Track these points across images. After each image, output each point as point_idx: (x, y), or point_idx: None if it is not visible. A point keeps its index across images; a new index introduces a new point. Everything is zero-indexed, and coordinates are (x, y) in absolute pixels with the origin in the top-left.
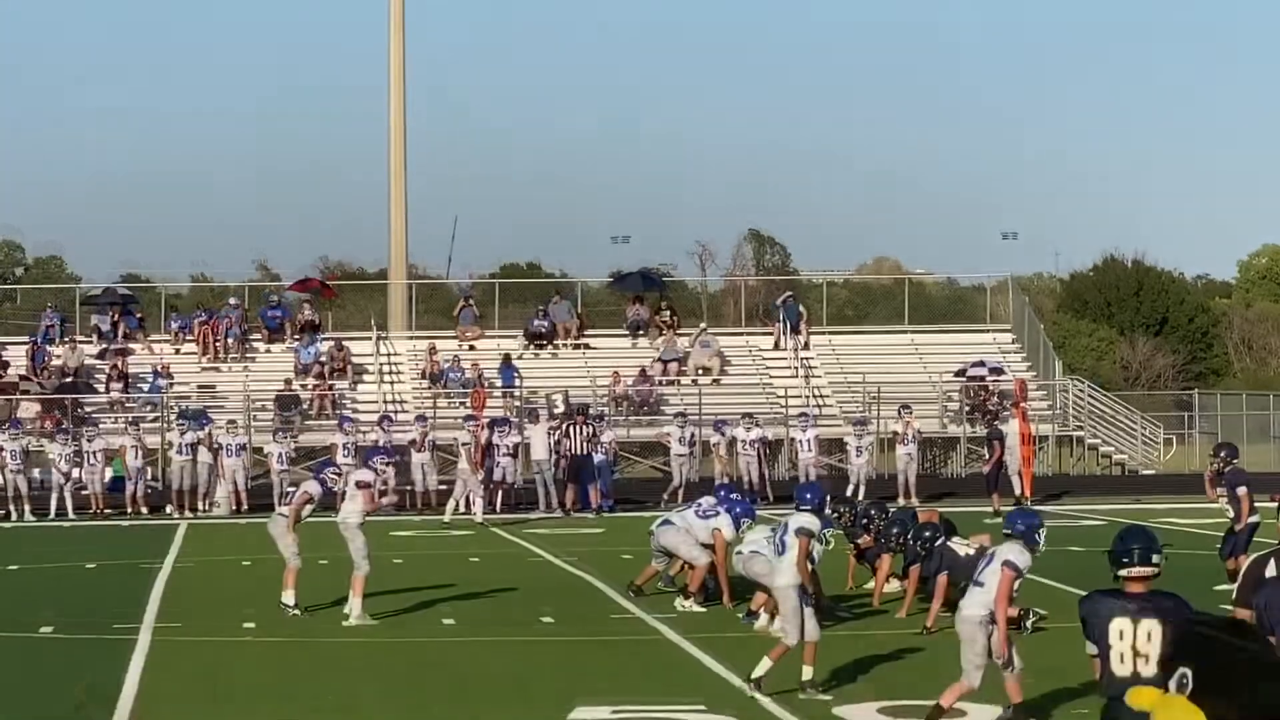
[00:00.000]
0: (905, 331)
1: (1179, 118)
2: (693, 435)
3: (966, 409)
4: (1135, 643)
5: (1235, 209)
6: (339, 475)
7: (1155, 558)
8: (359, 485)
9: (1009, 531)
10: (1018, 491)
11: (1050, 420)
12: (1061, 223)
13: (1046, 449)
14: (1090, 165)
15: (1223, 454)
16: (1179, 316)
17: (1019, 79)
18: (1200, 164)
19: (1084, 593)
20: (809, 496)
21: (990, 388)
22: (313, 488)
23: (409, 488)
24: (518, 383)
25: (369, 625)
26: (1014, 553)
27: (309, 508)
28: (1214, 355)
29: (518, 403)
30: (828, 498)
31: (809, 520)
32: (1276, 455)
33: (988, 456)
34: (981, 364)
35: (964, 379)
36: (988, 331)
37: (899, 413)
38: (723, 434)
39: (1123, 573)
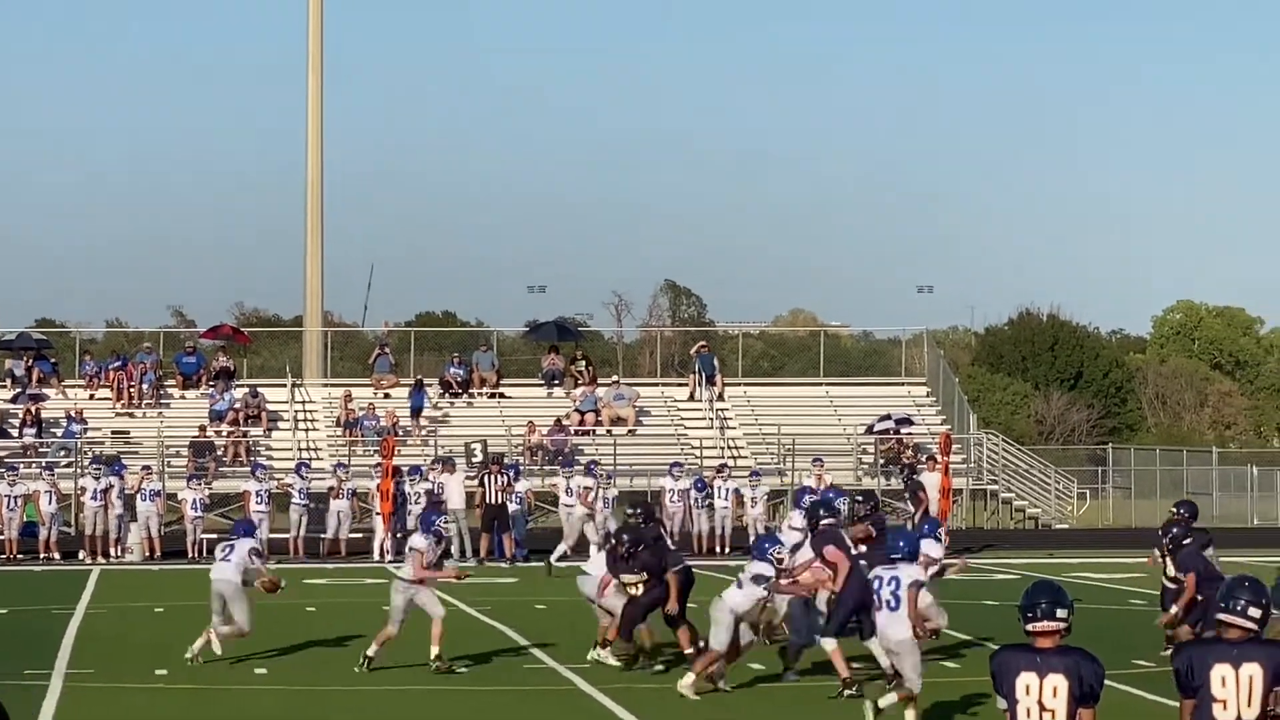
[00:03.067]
0: (820, 384)
1: (1094, 174)
2: (587, 487)
3: (881, 462)
4: (1041, 697)
5: (1150, 265)
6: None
7: (1062, 612)
8: (411, 549)
9: (898, 556)
10: None
11: (964, 474)
12: (977, 277)
13: (960, 503)
14: (1006, 220)
15: (1182, 511)
16: (1094, 371)
17: (933, 133)
18: (1116, 220)
19: (995, 646)
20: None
21: (905, 440)
22: (419, 542)
23: (323, 535)
24: (433, 425)
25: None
26: (915, 572)
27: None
28: (1128, 410)
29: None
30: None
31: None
32: None
33: (912, 510)
34: (889, 417)
35: (874, 434)
36: (903, 385)
37: (812, 465)
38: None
39: (1030, 627)
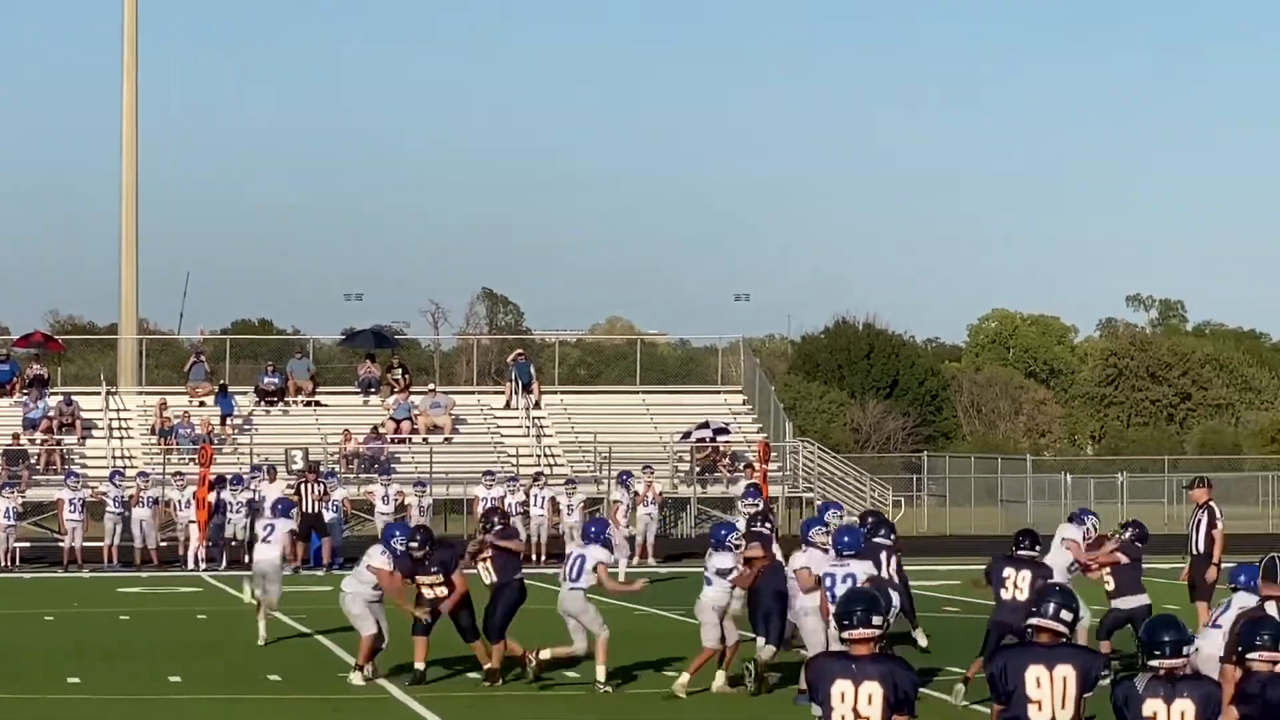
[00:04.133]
0: (637, 392)
1: (910, 183)
2: (399, 493)
3: (698, 470)
4: (856, 704)
5: (965, 274)
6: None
7: (877, 619)
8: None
9: (850, 553)
10: None
11: (780, 482)
12: (794, 286)
13: (777, 510)
14: (823, 229)
15: (1132, 532)
16: (909, 379)
17: (749, 141)
18: (931, 229)
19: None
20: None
21: (721, 449)
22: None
23: (132, 543)
24: (248, 434)
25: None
26: (868, 568)
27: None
28: (944, 418)
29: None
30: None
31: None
32: (1004, 518)
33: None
34: (706, 425)
35: (691, 441)
36: (719, 393)
37: (642, 473)
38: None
39: (845, 634)
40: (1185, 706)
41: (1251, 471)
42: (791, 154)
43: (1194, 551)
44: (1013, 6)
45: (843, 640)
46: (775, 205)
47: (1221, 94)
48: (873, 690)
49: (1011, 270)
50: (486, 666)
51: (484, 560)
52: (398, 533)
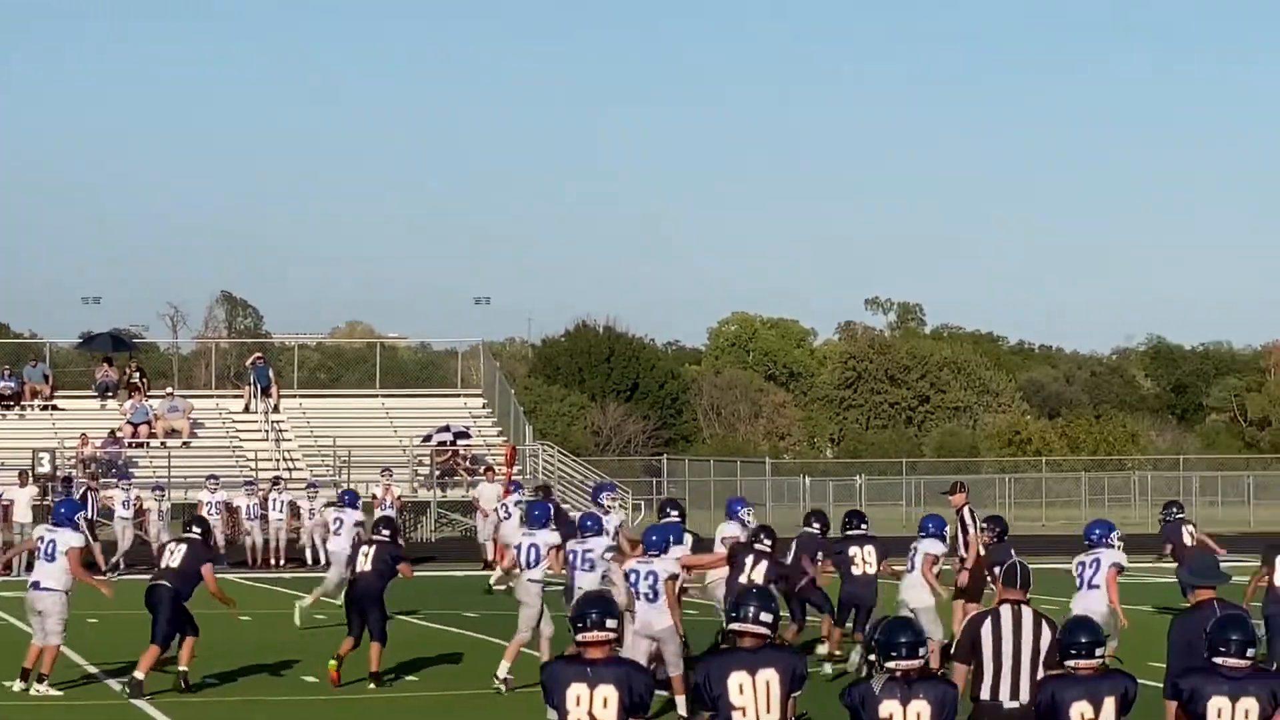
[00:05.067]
0: (377, 395)
1: (648, 187)
2: (138, 497)
3: (438, 473)
4: (592, 708)
5: (705, 278)
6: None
7: (611, 622)
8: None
9: (655, 552)
10: (489, 557)
11: (522, 486)
12: (534, 289)
13: (516, 515)
14: (563, 232)
15: (996, 529)
16: (650, 383)
17: (478, 145)
18: (671, 232)
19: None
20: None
21: (462, 452)
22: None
23: None
24: None
25: None
26: (672, 566)
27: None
28: (684, 421)
29: None
30: None
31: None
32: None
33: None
34: (448, 429)
35: (431, 444)
36: (459, 396)
37: (381, 476)
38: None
39: (580, 637)
40: (921, 708)
41: (989, 474)
42: (530, 157)
43: (963, 555)
44: (748, 6)
45: (578, 643)
46: (515, 208)
47: (955, 98)
48: (608, 693)
49: (751, 274)
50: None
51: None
52: (64, 510)
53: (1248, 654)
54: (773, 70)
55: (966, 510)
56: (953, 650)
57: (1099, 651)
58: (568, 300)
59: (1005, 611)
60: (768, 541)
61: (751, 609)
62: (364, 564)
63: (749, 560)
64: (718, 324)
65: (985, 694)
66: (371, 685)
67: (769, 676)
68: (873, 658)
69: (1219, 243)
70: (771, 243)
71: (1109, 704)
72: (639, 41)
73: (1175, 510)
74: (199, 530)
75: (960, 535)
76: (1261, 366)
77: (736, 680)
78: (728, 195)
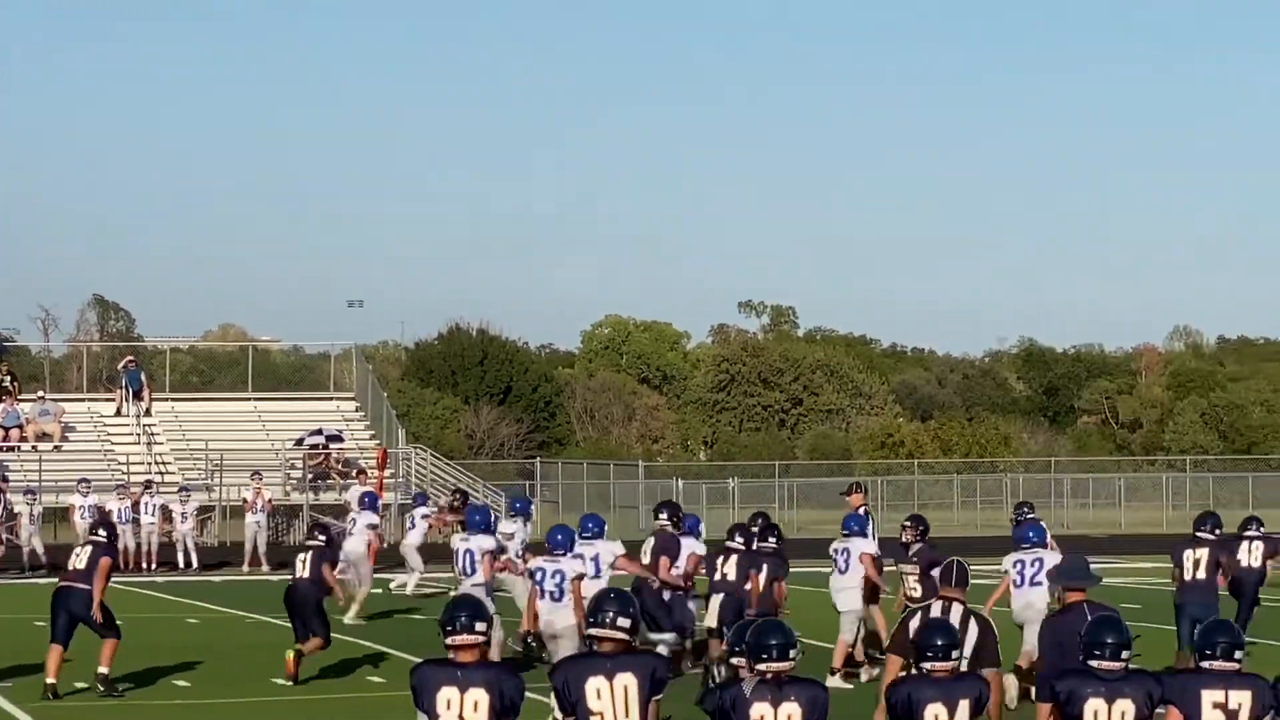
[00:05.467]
0: (249, 399)
1: (520, 188)
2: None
3: (310, 477)
4: (463, 712)
5: (579, 280)
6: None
7: (481, 625)
8: None
9: (561, 553)
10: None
11: (394, 489)
12: (408, 292)
13: (390, 517)
14: (437, 235)
15: (920, 529)
16: (523, 386)
17: (355, 144)
18: (544, 235)
19: (418, 660)
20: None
21: (334, 455)
22: None
23: None
24: None
25: None
26: (578, 566)
27: None
28: (557, 424)
29: None
30: None
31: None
32: (616, 522)
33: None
34: (320, 432)
35: (303, 447)
36: (332, 400)
37: (251, 479)
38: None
39: (450, 640)
40: (792, 709)
41: (862, 476)
42: (401, 158)
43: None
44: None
45: (446, 646)
46: (388, 210)
47: (825, 100)
48: (479, 697)
49: (624, 277)
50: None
51: None
52: None
53: (1122, 656)
54: (662, 70)
55: (863, 510)
56: (887, 644)
57: (1124, 654)
58: (441, 303)
59: (936, 607)
60: (739, 539)
61: (610, 613)
62: (301, 570)
63: (719, 560)
64: (591, 327)
65: None
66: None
67: (627, 681)
68: (734, 660)
69: (1091, 246)
70: (644, 246)
71: (964, 706)
72: (511, 38)
73: (1026, 510)
74: (105, 533)
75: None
76: (1133, 369)
77: (594, 685)
78: (600, 198)
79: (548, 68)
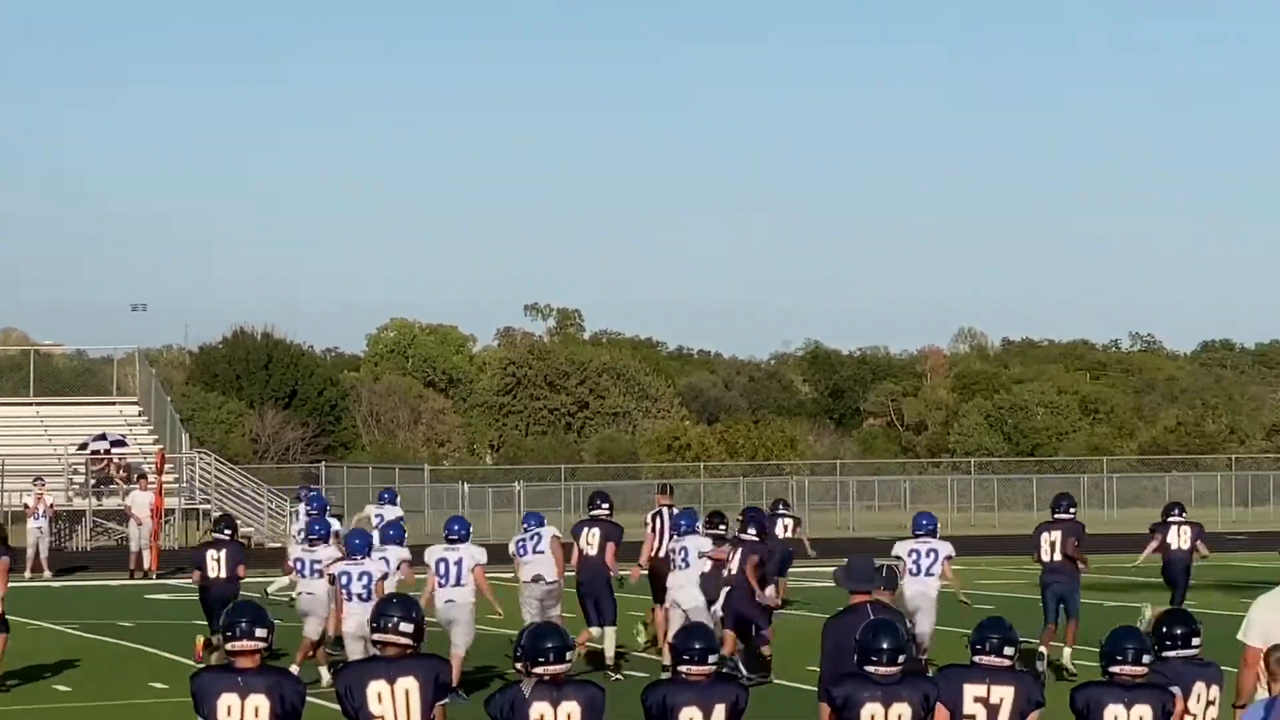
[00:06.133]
0: (31, 404)
1: (302, 192)
2: None
3: (93, 482)
4: (243, 717)
5: (365, 284)
6: None
7: (261, 631)
8: None
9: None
10: (146, 566)
11: (178, 494)
12: (192, 295)
13: (174, 522)
14: (222, 236)
15: (757, 526)
16: (309, 389)
17: (140, 144)
18: (329, 239)
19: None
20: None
21: (117, 460)
22: None
23: None
24: None
25: None
26: (479, 555)
27: None
28: (343, 428)
29: None
30: None
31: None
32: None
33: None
34: (104, 437)
35: (86, 453)
36: (115, 404)
37: (34, 484)
38: None
39: (230, 646)
40: (572, 709)
41: (649, 479)
42: (185, 159)
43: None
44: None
45: (228, 653)
46: (172, 213)
47: (600, 101)
48: (259, 703)
49: (410, 280)
50: None
51: None
52: None
53: (899, 661)
54: (442, 69)
55: (667, 510)
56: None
57: (900, 658)
58: (226, 307)
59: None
60: (721, 528)
61: (394, 618)
62: (216, 569)
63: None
64: (377, 330)
65: None
66: None
67: (408, 685)
68: (519, 665)
69: (875, 249)
70: (430, 249)
71: (719, 710)
72: (283, 44)
73: (782, 506)
74: None
75: (653, 532)
76: (917, 371)
77: (375, 689)
78: (385, 200)
79: (309, 60)
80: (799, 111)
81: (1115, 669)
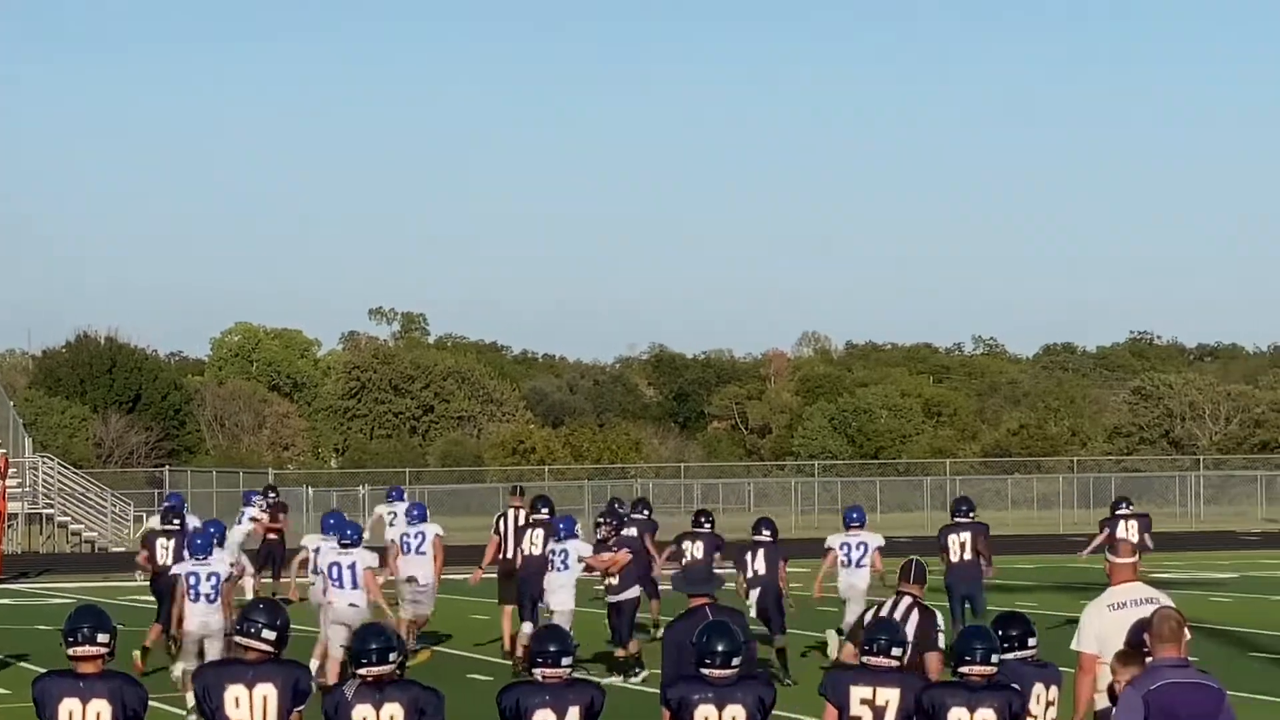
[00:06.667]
0: None
1: (145, 195)
2: None
3: None
4: (85, 719)
5: (209, 287)
6: None
7: (103, 637)
8: None
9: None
10: None
11: (20, 498)
12: (34, 299)
13: (16, 527)
14: (63, 238)
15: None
16: (152, 393)
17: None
18: (171, 241)
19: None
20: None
21: None
22: None
23: None
24: None
25: None
26: (370, 559)
27: None
28: (187, 432)
29: None
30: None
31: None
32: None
33: None
34: None
35: None
36: None
37: None
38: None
39: (71, 651)
40: (395, 710)
41: (494, 483)
42: (32, 159)
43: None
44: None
45: (69, 658)
46: (12, 215)
47: (444, 105)
48: (101, 708)
49: (254, 284)
50: None
51: None
52: None
53: (733, 663)
54: (289, 72)
55: (523, 513)
56: (849, 633)
57: (735, 661)
58: (69, 311)
59: (903, 604)
60: (707, 524)
61: (258, 623)
62: (165, 557)
63: (687, 543)
64: (221, 334)
65: None
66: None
67: (266, 691)
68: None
69: (719, 252)
70: (274, 252)
71: (573, 712)
72: (139, 49)
73: (643, 507)
74: None
75: (510, 535)
76: (761, 375)
77: (233, 694)
78: (227, 203)
79: (151, 59)
80: (629, 112)
81: (964, 669)
